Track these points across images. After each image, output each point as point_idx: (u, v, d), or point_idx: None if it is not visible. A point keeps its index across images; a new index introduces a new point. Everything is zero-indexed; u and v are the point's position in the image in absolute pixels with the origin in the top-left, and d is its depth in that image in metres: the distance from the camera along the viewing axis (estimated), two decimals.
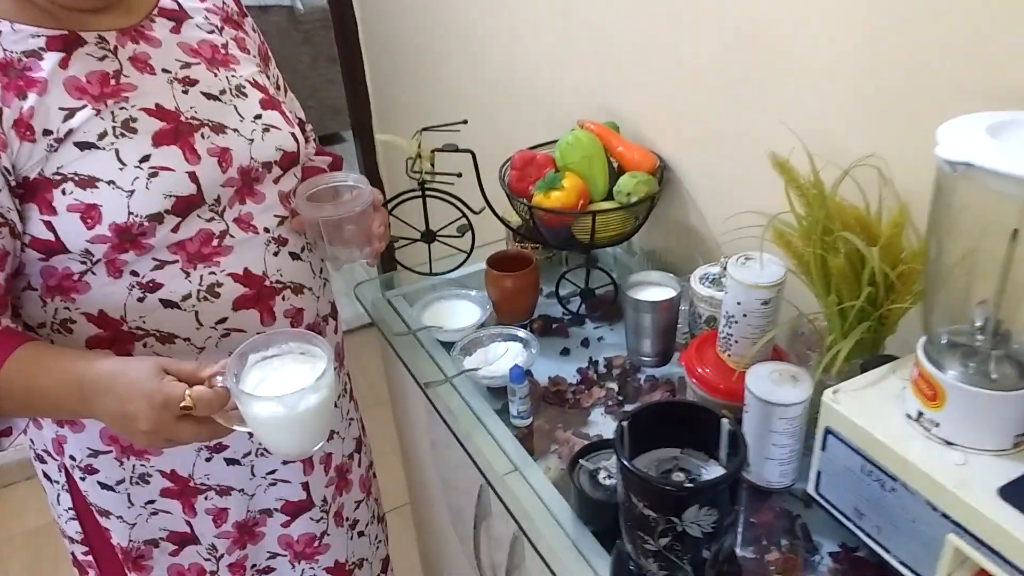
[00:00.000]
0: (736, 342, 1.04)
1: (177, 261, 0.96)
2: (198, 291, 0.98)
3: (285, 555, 1.23)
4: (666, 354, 1.20)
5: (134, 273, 0.94)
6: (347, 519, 1.31)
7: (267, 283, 1.03)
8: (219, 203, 0.99)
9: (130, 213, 0.90)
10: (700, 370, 1.07)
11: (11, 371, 0.85)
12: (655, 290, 1.19)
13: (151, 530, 1.12)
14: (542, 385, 1.20)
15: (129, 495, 1.08)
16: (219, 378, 0.84)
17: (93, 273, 0.93)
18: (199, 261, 0.98)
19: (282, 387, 0.84)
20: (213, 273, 0.99)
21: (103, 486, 1.07)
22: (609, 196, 1.30)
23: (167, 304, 0.97)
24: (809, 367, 0.99)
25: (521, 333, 1.24)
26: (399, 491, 2.07)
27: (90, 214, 0.88)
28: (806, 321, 1.02)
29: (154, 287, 0.95)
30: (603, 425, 1.13)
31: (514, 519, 1.03)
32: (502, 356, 1.19)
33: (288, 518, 1.20)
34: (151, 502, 1.10)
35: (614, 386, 1.21)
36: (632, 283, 1.19)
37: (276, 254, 1.04)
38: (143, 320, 0.96)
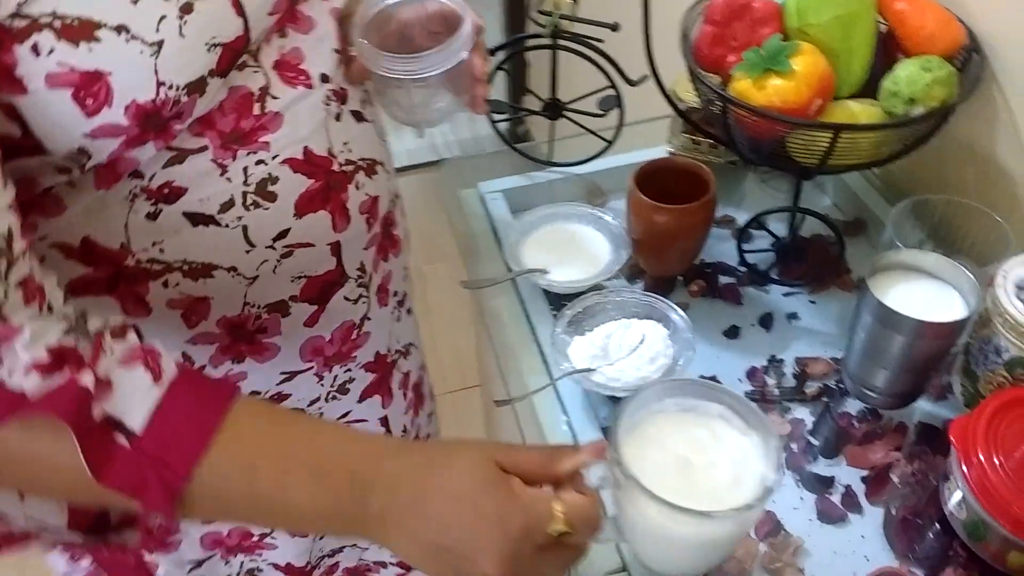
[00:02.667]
0: None
1: (206, 148, 0.58)
2: (244, 194, 0.60)
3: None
4: (912, 395, 0.70)
5: (137, 175, 0.57)
6: (427, 437, 1.01)
7: (335, 166, 0.65)
8: (254, 41, 0.59)
9: (160, 83, 0.51)
10: (995, 478, 0.57)
11: (219, 471, 0.49)
12: (923, 288, 0.67)
13: None
14: None
15: None
16: (593, 472, 0.53)
17: (72, 185, 0.56)
18: (239, 144, 0.59)
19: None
20: (262, 162, 0.60)
21: None
22: (867, 90, 0.75)
23: (197, 219, 0.60)
24: None
25: (674, 314, 0.76)
26: None
27: (90, 90, 0.50)
28: None
29: (173, 194, 0.58)
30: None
31: None
32: (633, 350, 0.72)
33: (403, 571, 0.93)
34: None
35: (805, 416, 0.74)
36: (883, 266, 0.67)
37: (339, 117, 0.65)
38: (159, 248, 0.60)
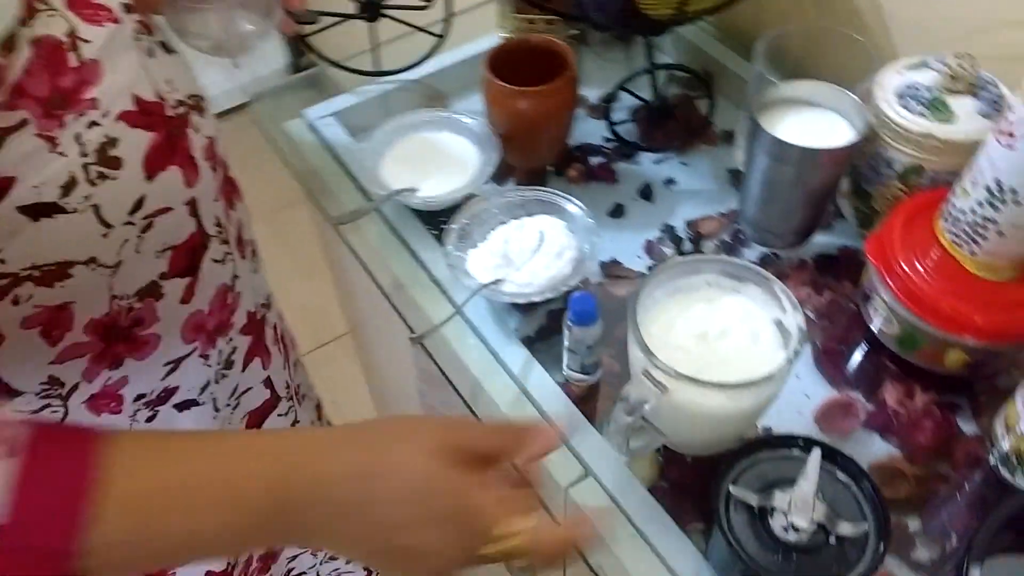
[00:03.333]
0: (1000, 235, 0.55)
1: (26, 123, 0.46)
2: (85, 167, 0.49)
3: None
4: (808, 230, 0.70)
5: None
6: (299, 387, 0.92)
7: (168, 110, 0.56)
8: None
9: None
10: (920, 282, 0.58)
11: (114, 530, 0.40)
12: (808, 119, 0.66)
13: None
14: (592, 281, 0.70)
15: None
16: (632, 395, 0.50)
17: None
18: (64, 108, 0.48)
19: None
20: (95, 123, 0.49)
21: None
22: None
23: (37, 212, 0.48)
24: None
25: (565, 203, 0.70)
26: None
27: None
28: None
29: None
30: None
31: (584, 559, 0.58)
32: (536, 250, 0.66)
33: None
34: None
35: None
36: (766, 104, 0.65)
37: (152, 53, 0.56)
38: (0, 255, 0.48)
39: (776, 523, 0.50)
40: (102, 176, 0.50)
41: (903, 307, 0.59)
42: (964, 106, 0.61)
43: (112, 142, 0.50)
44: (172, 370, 0.62)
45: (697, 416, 0.51)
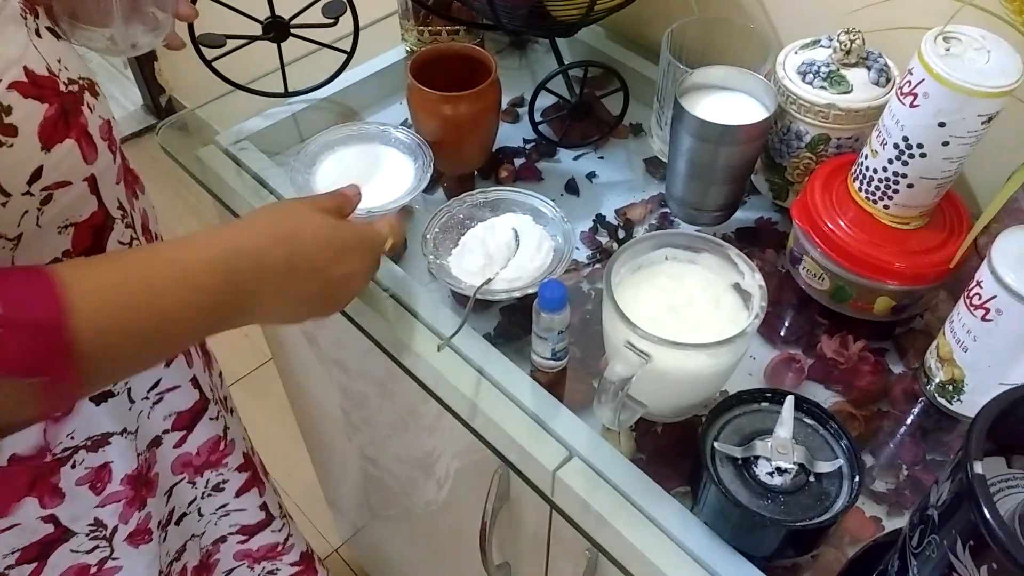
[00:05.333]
0: (909, 187, 0.61)
1: None
2: None
3: (182, 476, 0.85)
4: (733, 206, 0.75)
5: None
6: (226, 399, 0.92)
7: (61, 86, 0.57)
8: None
9: None
10: (846, 237, 0.63)
11: (91, 310, 0.45)
12: (721, 101, 0.70)
13: None
14: None
15: None
16: (616, 371, 0.53)
17: None
18: None
19: None
20: None
21: None
22: None
23: None
24: None
25: (531, 200, 0.72)
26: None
27: None
28: None
29: None
30: None
31: (584, 534, 0.59)
32: (517, 247, 0.68)
33: (183, 432, 0.82)
34: None
35: None
36: (687, 88, 0.69)
37: (39, 33, 0.57)
38: None
39: (761, 470, 0.53)
40: None
41: (833, 262, 0.64)
42: (858, 77, 0.67)
43: (6, 109, 0.51)
44: None
45: (680, 380, 0.54)
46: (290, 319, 0.59)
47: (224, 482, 0.88)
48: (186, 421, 0.80)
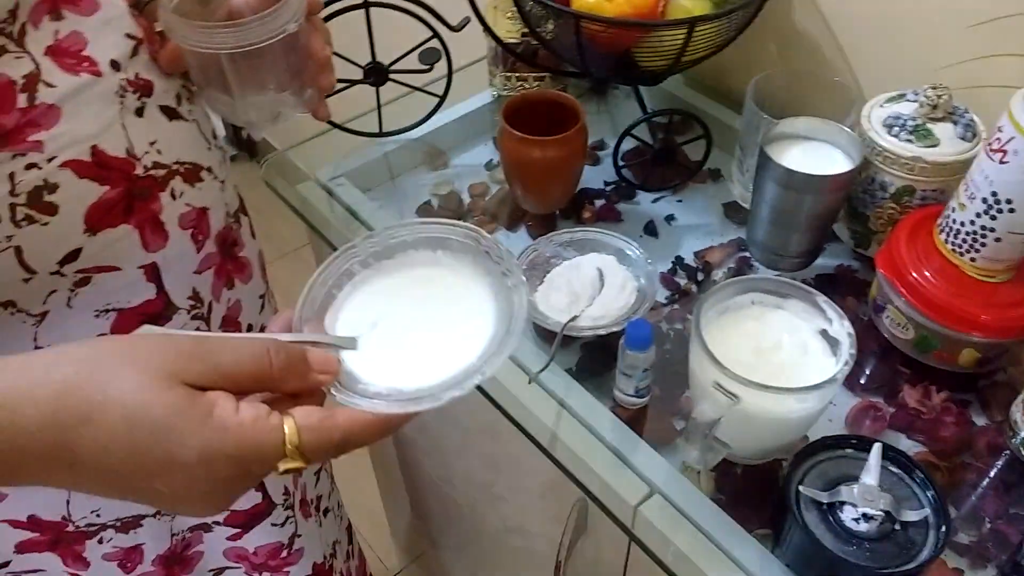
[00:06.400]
0: (997, 241, 0.62)
1: None
2: (12, 207, 0.49)
3: (239, 566, 0.81)
4: (814, 253, 0.76)
5: None
6: (312, 502, 0.88)
7: (139, 169, 0.54)
8: (13, 19, 0.48)
9: None
10: (932, 288, 0.64)
11: None
12: (806, 151, 0.72)
13: None
14: None
15: None
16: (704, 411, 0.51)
17: None
18: (1, 145, 0.48)
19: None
20: (34, 165, 0.49)
21: None
22: None
23: None
24: None
25: (615, 241, 0.75)
26: None
27: None
28: None
29: None
30: None
31: (666, 569, 0.61)
32: (603, 284, 0.70)
33: (238, 530, 0.78)
34: (3, 566, 0.64)
35: None
36: (773, 138, 0.71)
37: (140, 112, 0.55)
38: None
39: (847, 515, 0.54)
40: (30, 219, 0.49)
41: (918, 312, 0.65)
42: (945, 131, 0.69)
43: (50, 187, 0.49)
44: None
45: (767, 423, 0.55)
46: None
47: None
48: (241, 520, 0.77)
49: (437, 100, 0.89)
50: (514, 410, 0.69)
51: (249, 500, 0.75)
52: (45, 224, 0.49)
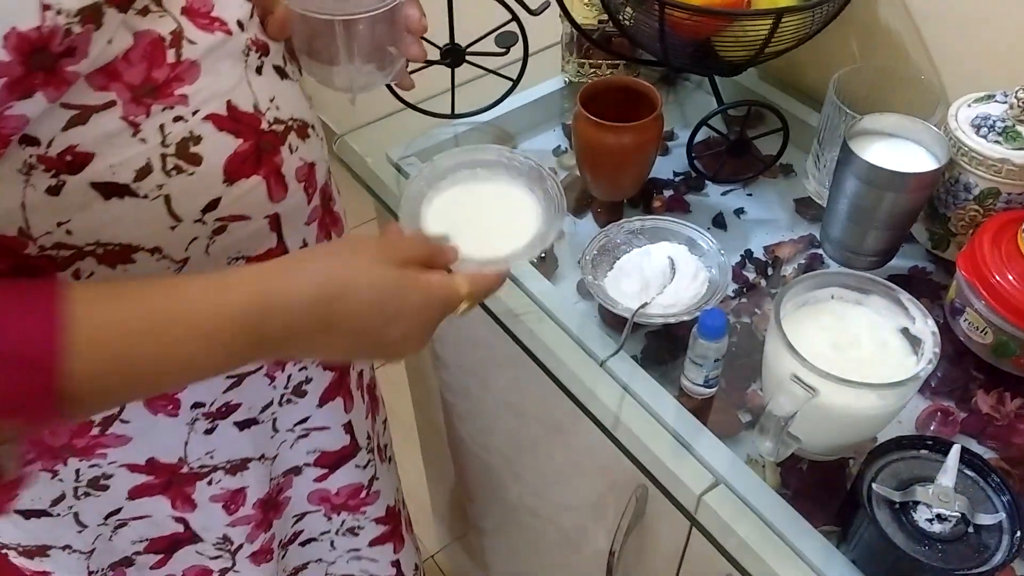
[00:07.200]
0: None
1: (113, 104, 0.49)
2: (163, 157, 0.51)
3: (319, 509, 0.86)
4: (891, 252, 0.75)
5: (31, 141, 0.47)
6: (384, 448, 0.92)
7: (264, 124, 0.57)
8: None
9: (45, 6, 0.43)
10: (1015, 292, 0.63)
11: (89, 352, 0.44)
12: (890, 148, 0.71)
13: (120, 548, 0.72)
14: None
15: (77, 515, 0.67)
16: (780, 405, 0.54)
17: None
18: (153, 98, 0.50)
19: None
20: (181, 118, 0.52)
21: (30, 514, 0.66)
22: None
23: (109, 191, 0.50)
24: None
25: (688, 231, 0.75)
26: None
27: None
28: None
29: (77, 162, 0.49)
30: None
31: (729, 558, 0.60)
32: (675, 273, 0.70)
33: (325, 471, 0.83)
34: (115, 513, 0.69)
35: None
36: (856, 133, 0.71)
37: (260, 71, 0.57)
38: (66, 229, 0.50)
39: (920, 516, 0.53)
40: (178, 169, 0.51)
41: (999, 316, 0.64)
42: None
43: (195, 139, 0.52)
44: (235, 384, 0.64)
45: (843, 419, 0.55)
46: (328, 361, 0.56)
47: (359, 528, 0.90)
48: (330, 461, 0.81)
49: (510, 84, 0.90)
50: (580, 394, 0.69)
51: (338, 441, 0.79)
52: (191, 174, 0.52)
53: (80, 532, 0.68)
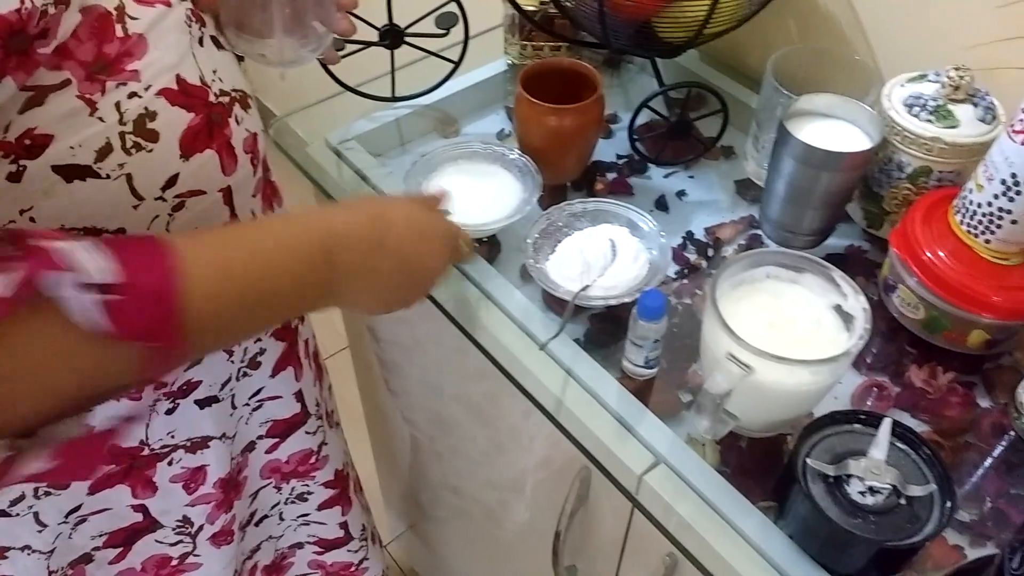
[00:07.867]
0: (1013, 223, 0.62)
1: (68, 83, 0.49)
2: (122, 135, 0.51)
3: (269, 481, 0.86)
4: (827, 231, 0.76)
5: None
6: (331, 415, 0.93)
7: (211, 96, 0.57)
8: None
9: None
10: (945, 268, 0.64)
11: (203, 285, 0.46)
12: (825, 128, 0.72)
13: (79, 545, 0.71)
14: None
15: (37, 514, 0.66)
16: (716, 381, 0.55)
17: None
18: (106, 74, 0.50)
19: None
20: (135, 95, 0.52)
21: None
22: None
23: (71, 173, 0.50)
24: None
25: (628, 213, 0.75)
26: None
27: None
28: None
29: (36, 145, 0.49)
30: None
31: (670, 537, 0.61)
32: (614, 257, 0.70)
33: (276, 440, 0.83)
34: (75, 510, 0.67)
35: None
36: (793, 113, 0.71)
37: (201, 42, 0.58)
38: (29, 216, 0.51)
39: (853, 489, 0.54)
40: (138, 146, 0.51)
41: (930, 292, 0.65)
42: (965, 113, 0.68)
43: (151, 115, 0.52)
44: (195, 362, 0.65)
45: (778, 396, 0.55)
46: (374, 303, 0.59)
47: (308, 493, 0.90)
48: (280, 429, 0.82)
49: (451, 66, 0.89)
50: (521, 377, 0.69)
51: (289, 410, 0.80)
52: (150, 151, 0.52)
53: (40, 532, 0.66)
